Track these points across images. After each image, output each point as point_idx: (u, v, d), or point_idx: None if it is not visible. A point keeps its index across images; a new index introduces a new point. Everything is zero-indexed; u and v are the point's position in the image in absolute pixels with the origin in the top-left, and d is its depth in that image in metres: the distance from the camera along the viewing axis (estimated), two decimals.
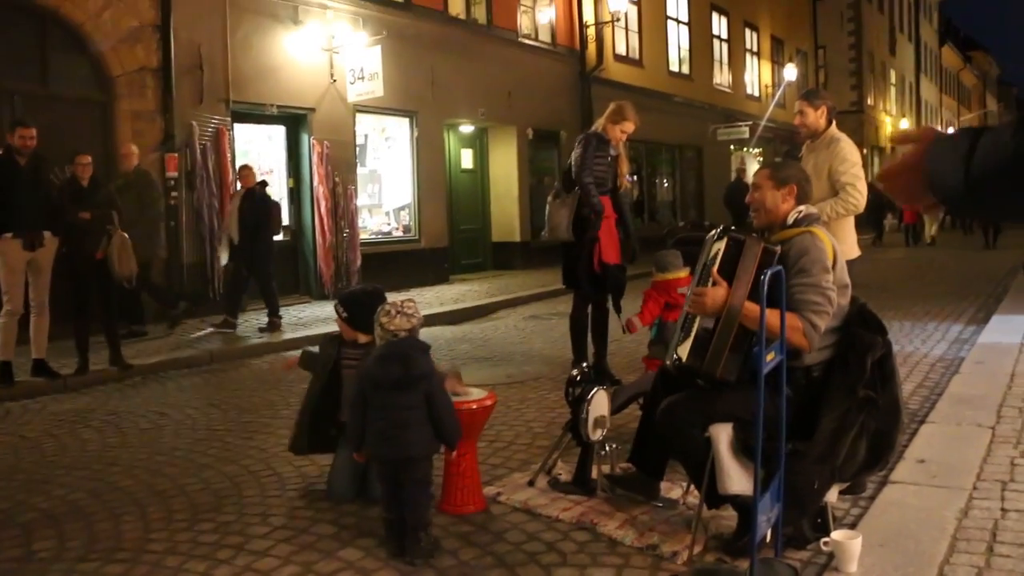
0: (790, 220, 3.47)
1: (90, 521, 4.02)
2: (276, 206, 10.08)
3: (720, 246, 3.32)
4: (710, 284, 3.27)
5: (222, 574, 3.37)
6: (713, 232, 3.43)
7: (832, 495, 3.38)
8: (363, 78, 12.35)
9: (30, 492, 4.45)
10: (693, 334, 3.34)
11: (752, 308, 3.11)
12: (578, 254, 6.39)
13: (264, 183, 9.86)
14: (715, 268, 3.28)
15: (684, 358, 3.34)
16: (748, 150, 25.26)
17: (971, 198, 1.34)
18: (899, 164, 1.49)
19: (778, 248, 3.29)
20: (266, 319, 9.68)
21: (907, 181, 1.48)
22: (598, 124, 6.56)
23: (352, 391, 3.72)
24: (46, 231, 6.99)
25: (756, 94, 27.21)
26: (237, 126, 11.42)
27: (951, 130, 1.44)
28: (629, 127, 6.47)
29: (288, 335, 9.23)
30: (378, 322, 3.61)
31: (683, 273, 5.52)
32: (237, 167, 10.22)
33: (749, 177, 12.32)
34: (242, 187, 9.69)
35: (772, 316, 2.99)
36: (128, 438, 5.54)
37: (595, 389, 4.03)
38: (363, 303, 4.17)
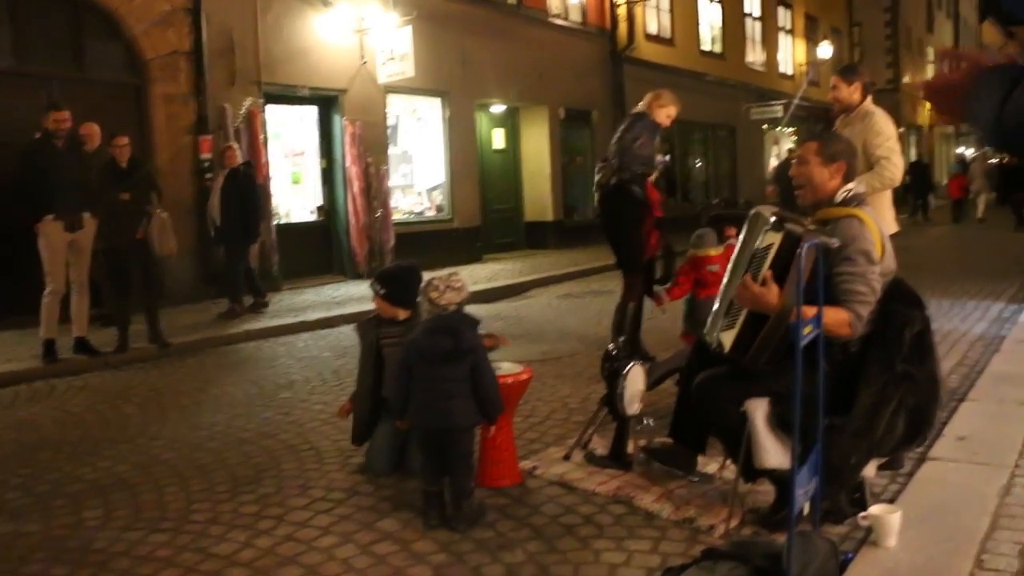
0: (838, 198, 3.40)
1: (135, 492, 4.11)
2: (261, 187, 9.95)
3: (775, 239, 3.17)
4: (760, 280, 3.17)
5: (263, 544, 3.43)
6: (766, 214, 3.27)
7: (870, 470, 3.36)
8: (394, 59, 12.37)
9: (76, 464, 4.56)
10: (739, 326, 3.29)
11: (807, 312, 2.89)
12: (641, 236, 6.24)
13: (248, 163, 9.79)
14: (767, 264, 3.17)
15: (727, 348, 3.33)
16: (781, 129, 24.98)
17: (999, 136, 1.43)
18: (946, 82, 1.57)
19: (836, 242, 3.18)
20: (258, 301, 9.59)
21: (948, 99, 1.57)
22: (643, 109, 6.38)
23: (395, 363, 3.74)
24: (86, 212, 7.10)
25: (790, 73, 26.88)
26: (269, 108, 11.49)
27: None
28: (674, 111, 6.34)
29: (323, 314, 9.33)
30: (426, 297, 3.64)
31: (714, 251, 5.61)
32: (222, 147, 9.91)
33: None
34: (225, 167, 9.50)
35: (832, 314, 3.02)
36: (168, 413, 5.65)
37: (631, 363, 4.03)
38: (401, 279, 4.19)
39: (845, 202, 3.39)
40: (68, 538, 3.59)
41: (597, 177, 6.44)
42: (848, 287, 3.19)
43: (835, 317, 3.12)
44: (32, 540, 3.58)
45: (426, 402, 3.55)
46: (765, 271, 3.17)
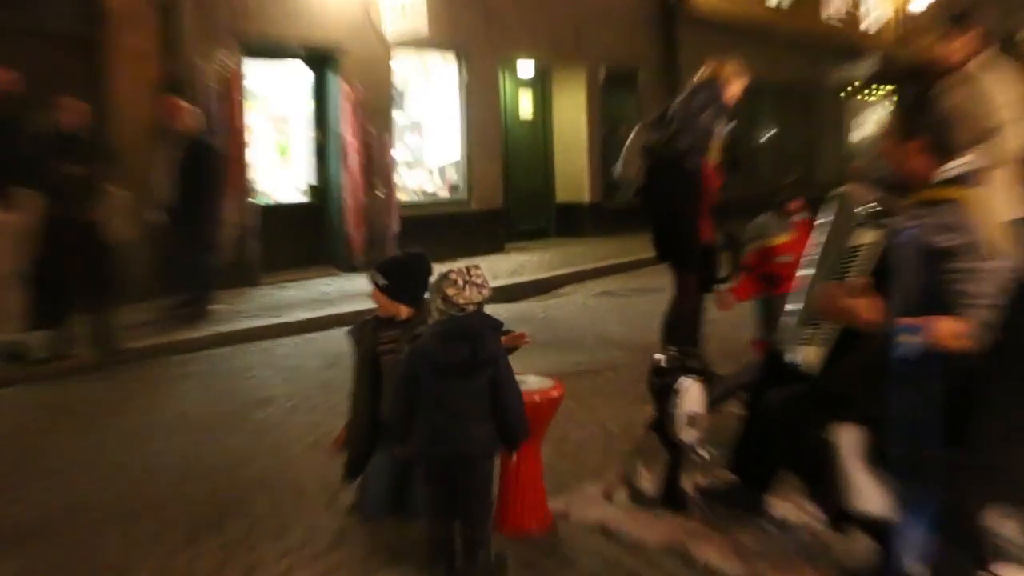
0: (941, 177, 3.28)
1: (61, 540, 4.05)
2: (223, 159, 9.87)
3: (873, 236, 3.11)
4: (851, 287, 3.13)
5: None
6: (858, 201, 3.19)
7: (997, 519, 3.23)
8: (403, 9, 12.40)
9: None
10: (826, 340, 3.27)
11: (911, 321, 2.92)
12: (696, 222, 6.23)
13: (210, 131, 9.76)
14: (861, 266, 3.13)
15: (813, 365, 3.34)
16: (867, 94, 24.81)
17: None
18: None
19: (943, 237, 3.08)
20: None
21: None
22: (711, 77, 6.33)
23: (396, 376, 3.63)
24: (24, 188, 7.03)
25: (875, 28, 26.64)
26: (251, 66, 11.51)
27: None
28: (742, 85, 6.37)
29: (310, 314, 9.33)
30: (440, 293, 3.50)
31: (779, 239, 5.70)
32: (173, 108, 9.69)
33: None
34: (178, 132, 9.26)
35: (943, 325, 2.91)
36: (111, 437, 5.62)
37: (687, 379, 3.96)
38: (407, 267, 4.13)
39: (949, 181, 3.27)
40: None
41: (630, 141, 6.32)
42: (958, 288, 3.07)
43: (946, 327, 2.99)
44: None
45: (434, 424, 3.42)
46: (860, 276, 3.13)
